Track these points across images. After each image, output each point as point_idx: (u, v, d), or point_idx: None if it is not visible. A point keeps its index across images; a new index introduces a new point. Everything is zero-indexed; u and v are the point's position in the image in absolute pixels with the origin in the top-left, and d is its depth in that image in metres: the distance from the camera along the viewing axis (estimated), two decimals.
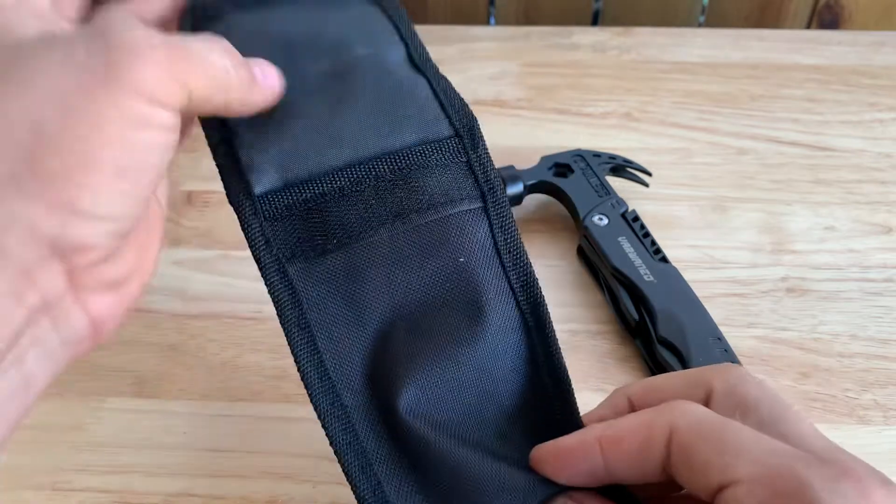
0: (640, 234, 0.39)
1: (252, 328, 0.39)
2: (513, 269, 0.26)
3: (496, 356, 0.25)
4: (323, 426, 0.24)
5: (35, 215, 0.19)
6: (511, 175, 0.42)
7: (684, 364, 0.34)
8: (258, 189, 0.25)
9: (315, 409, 0.24)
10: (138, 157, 0.21)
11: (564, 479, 0.23)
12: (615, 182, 0.44)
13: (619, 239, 0.39)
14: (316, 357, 0.24)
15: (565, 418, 0.25)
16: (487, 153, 0.27)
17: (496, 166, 0.36)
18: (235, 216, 0.25)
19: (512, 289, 0.26)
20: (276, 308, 0.25)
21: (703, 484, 0.20)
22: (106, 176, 0.20)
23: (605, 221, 0.40)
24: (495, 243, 0.27)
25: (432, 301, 0.26)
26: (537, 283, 0.26)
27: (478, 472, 0.23)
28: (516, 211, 0.45)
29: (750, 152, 0.49)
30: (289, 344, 0.24)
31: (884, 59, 0.58)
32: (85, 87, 0.20)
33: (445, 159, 0.27)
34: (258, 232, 0.25)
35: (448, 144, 0.27)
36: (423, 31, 0.67)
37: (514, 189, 0.42)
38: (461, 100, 0.27)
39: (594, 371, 0.37)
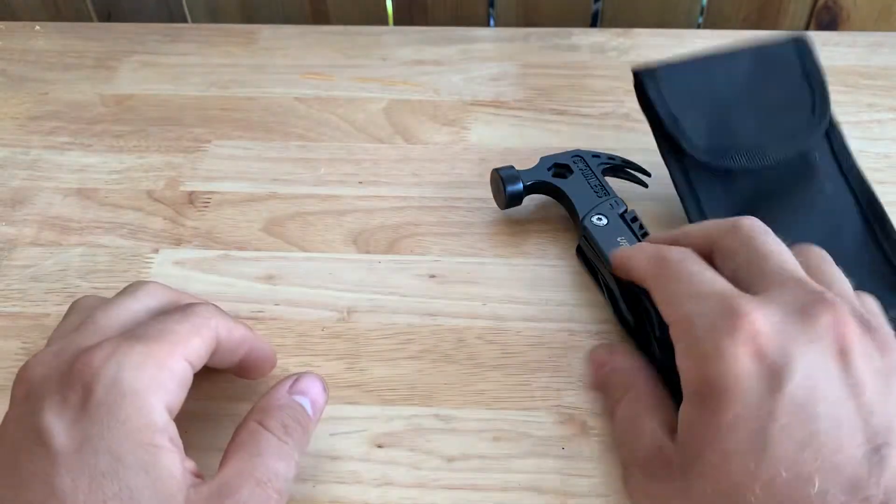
0: (640, 234, 0.39)
1: (253, 328, 0.39)
2: (849, 173, 0.42)
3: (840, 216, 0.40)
4: None
5: None
6: (510, 175, 0.43)
7: None
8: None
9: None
10: None
11: None
12: (614, 183, 0.44)
13: (619, 239, 0.39)
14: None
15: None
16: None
17: (495, 166, 0.39)
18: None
19: (850, 188, 0.41)
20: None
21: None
22: None
23: (605, 221, 0.40)
24: (840, 168, 0.42)
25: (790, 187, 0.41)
26: (870, 188, 0.41)
27: None
28: (516, 211, 0.45)
29: None
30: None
31: (882, 60, 0.58)
32: None
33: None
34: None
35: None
36: (424, 32, 0.68)
37: (514, 188, 0.42)
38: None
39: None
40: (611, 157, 0.45)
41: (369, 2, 0.66)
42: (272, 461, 0.28)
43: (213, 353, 0.31)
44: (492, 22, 0.67)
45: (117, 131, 0.52)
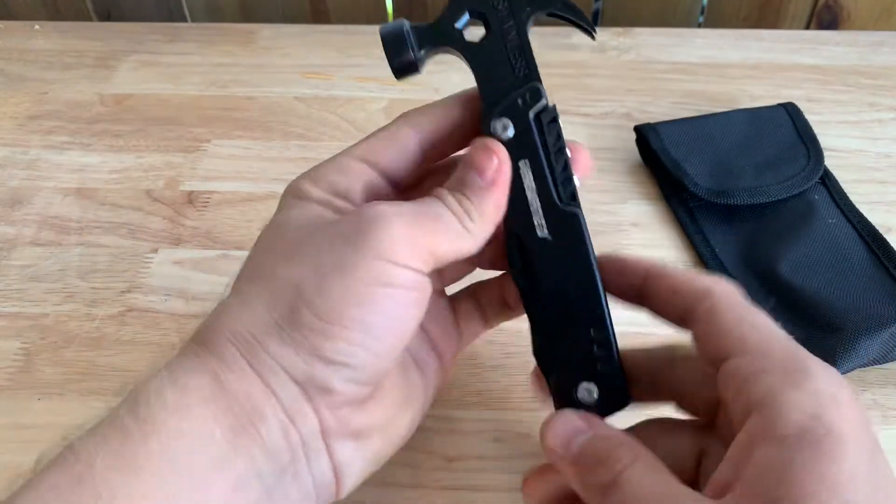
0: (554, 148, 0.28)
1: None
2: (847, 210, 0.44)
3: (843, 253, 0.42)
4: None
5: (289, 359, 0.24)
6: (397, 37, 0.30)
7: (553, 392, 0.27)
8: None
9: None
10: (381, 313, 0.24)
11: None
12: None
13: (521, 163, 0.27)
14: (714, 254, 0.42)
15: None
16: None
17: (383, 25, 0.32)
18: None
19: (849, 221, 0.44)
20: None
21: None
22: (348, 328, 0.23)
23: (511, 133, 0.28)
24: (838, 206, 0.45)
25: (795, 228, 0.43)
26: (869, 222, 0.43)
27: (837, 305, 0.38)
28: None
29: None
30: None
31: (883, 60, 0.58)
32: (338, 252, 0.24)
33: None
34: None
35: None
36: None
37: (403, 59, 0.30)
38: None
39: None
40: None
41: (369, 1, 0.66)
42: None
43: None
44: None
45: (116, 131, 0.52)
